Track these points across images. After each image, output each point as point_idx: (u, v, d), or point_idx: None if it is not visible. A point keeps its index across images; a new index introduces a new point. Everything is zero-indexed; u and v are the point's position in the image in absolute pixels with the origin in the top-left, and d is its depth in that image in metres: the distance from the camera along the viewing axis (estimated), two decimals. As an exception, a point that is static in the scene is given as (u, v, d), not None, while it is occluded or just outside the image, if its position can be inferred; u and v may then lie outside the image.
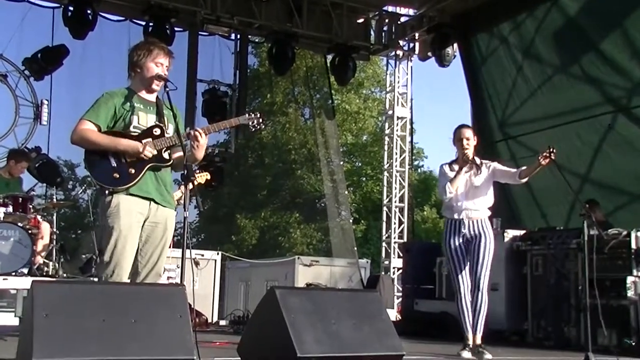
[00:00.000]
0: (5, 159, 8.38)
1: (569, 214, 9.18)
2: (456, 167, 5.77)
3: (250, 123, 4.49)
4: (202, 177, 6.76)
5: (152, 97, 4.31)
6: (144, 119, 4.21)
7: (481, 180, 5.75)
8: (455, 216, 5.76)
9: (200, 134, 4.18)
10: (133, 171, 4.10)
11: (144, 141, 4.13)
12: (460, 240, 5.73)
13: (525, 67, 10.39)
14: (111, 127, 4.14)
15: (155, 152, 4.15)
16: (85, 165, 4.17)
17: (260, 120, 4.47)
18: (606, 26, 9.19)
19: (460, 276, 5.73)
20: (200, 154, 4.23)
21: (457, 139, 5.79)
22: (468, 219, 5.72)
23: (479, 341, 5.64)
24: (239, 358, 4.27)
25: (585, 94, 9.47)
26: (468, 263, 5.72)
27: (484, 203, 5.78)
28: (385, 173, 13.40)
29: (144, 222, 4.14)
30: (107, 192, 4.06)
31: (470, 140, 5.77)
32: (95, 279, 4.32)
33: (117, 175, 4.07)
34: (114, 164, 4.08)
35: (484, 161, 5.87)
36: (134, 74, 4.29)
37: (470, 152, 5.75)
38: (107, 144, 4.08)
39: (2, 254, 6.96)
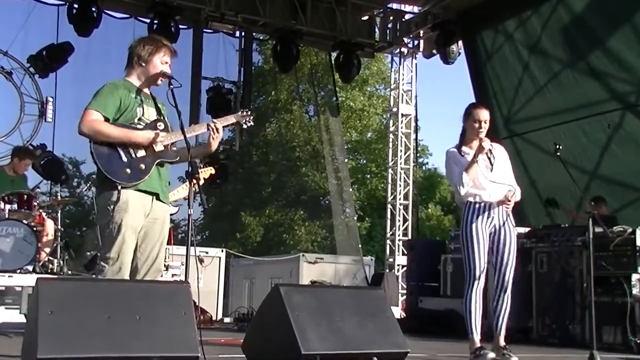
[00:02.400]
0: (10, 156, 8.39)
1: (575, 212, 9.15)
2: (467, 150, 5.04)
3: (242, 121, 4.49)
4: (206, 172, 6.69)
5: (148, 91, 4.30)
6: (147, 112, 4.20)
7: (501, 163, 5.12)
8: (485, 198, 4.98)
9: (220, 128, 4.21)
10: (143, 167, 4.06)
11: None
12: (487, 227, 4.98)
13: (532, 64, 10.36)
14: (115, 120, 4.07)
15: (162, 147, 4.12)
16: (94, 159, 4.00)
17: (250, 115, 4.47)
18: (614, 23, 9.15)
19: (479, 268, 4.96)
20: (215, 145, 4.23)
21: (473, 120, 5.02)
22: (497, 203, 5.00)
23: (502, 343, 5.11)
24: (244, 355, 4.28)
25: (592, 91, 9.44)
26: (484, 257, 4.99)
27: (507, 188, 5.06)
28: (390, 170, 13.39)
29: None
30: (119, 187, 3.97)
31: (488, 123, 5.03)
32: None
33: (129, 171, 4.00)
34: (124, 158, 4.01)
35: (497, 145, 5.23)
36: (136, 67, 4.25)
37: (485, 133, 5.00)
38: (119, 135, 4.00)
39: (7, 251, 6.98)
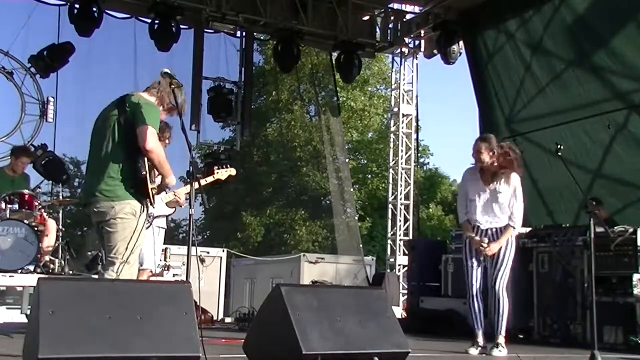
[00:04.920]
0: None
1: (577, 212, 9.13)
2: (479, 177, 5.86)
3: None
4: (224, 174, 6.53)
5: None
6: None
7: (505, 196, 5.79)
8: (477, 224, 5.86)
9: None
10: (155, 192, 4.60)
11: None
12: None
13: (534, 63, 10.32)
14: None
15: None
16: (142, 171, 4.33)
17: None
18: (617, 23, 9.11)
19: (468, 277, 5.85)
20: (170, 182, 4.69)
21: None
22: (489, 229, 5.83)
23: (498, 340, 5.71)
24: (244, 355, 4.28)
25: (595, 91, 9.40)
26: (481, 262, 5.82)
27: (505, 214, 5.81)
28: (391, 170, 13.39)
29: None
30: (148, 202, 4.42)
31: (483, 154, 5.77)
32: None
33: (155, 191, 4.54)
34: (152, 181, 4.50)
35: (508, 175, 5.81)
36: (162, 102, 4.56)
37: (485, 164, 5.79)
38: (166, 169, 4.47)
39: (8, 251, 6.97)
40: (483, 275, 5.84)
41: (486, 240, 5.76)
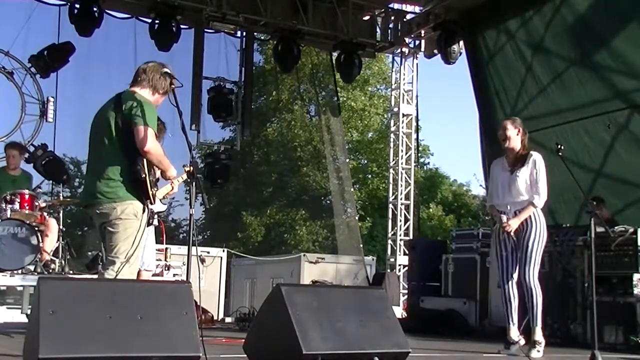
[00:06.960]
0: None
1: (578, 212, 9.12)
2: (505, 163, 5.89)
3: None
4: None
5: None
6: None
7: (525, 175, 5.73)
8: (501, 210, 5.80)
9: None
10: (155, 189, 4.66)
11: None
12: (505, 234, 5.72)
13: (535, 63, 10.31)
14: None
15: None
16: (142, 173, 4.33)
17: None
18: (618, 22, 9.10)
19: (499, 269, 5.87)
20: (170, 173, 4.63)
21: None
22: (514, 213, 5.71)
23: (535, 337, 5.64)
24: (245, 355, 4.28)
25: (596, 90, 9.39)
26: (512, 255, 5.75)
27: (526, 193, 5.72)
28: (391, 170, 13.39)
29: None
30: (149, 202, 4.44)
31: (509, 131, 5.80)
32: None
33: (156, 190, 4.64)
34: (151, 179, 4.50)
35: (532, 154, 5.83)
36: (153, 92, 4.51)
37: (510, 143, 5.82)
38: (166, 166, 4.47)
39: (9, 251, 6.98)
40: (513, 264, 5.74)
41: (504, 217, 5.66)
